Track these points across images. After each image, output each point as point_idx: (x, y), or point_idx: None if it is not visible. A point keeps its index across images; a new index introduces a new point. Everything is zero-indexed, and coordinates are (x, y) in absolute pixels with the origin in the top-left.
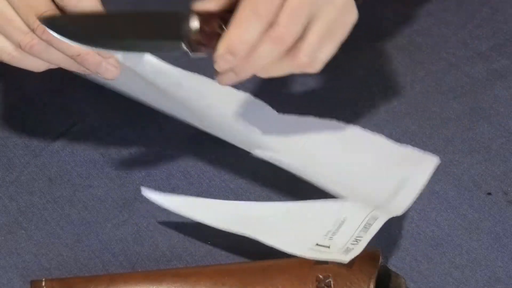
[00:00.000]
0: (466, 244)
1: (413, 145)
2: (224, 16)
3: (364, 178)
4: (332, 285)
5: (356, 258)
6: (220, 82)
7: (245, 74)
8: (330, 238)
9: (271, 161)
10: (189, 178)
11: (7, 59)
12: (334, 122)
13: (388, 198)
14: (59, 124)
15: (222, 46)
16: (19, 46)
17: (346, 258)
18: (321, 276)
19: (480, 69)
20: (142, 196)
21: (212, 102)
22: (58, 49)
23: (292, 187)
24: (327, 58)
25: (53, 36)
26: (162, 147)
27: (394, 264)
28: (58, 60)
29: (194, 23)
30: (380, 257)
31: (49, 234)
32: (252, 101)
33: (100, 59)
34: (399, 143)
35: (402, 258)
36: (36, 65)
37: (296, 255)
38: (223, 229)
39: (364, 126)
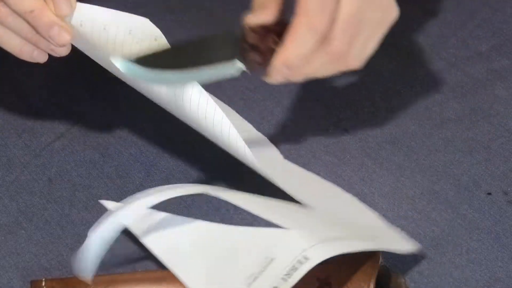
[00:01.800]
0: (466, 244)
1: (413, 145)
2: (276, 30)
3: (339, 217)
4: (332, 285)
5: (356, 258)
6: (269, 81)
7: (297, 80)
8: (249, 285)
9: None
10: (189, 178)
11: None
12: (334, 187)
13: (349, 236)
14: (59, 124)
15: (279, 61)
16: None
17: None
18: (321, 276)
19: (480, 69)
20: None
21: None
22: (13, 8)
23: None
24: (369, 55)
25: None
26: (162, 147)
27: (394, 264)
28: (22, 28)
29: (249, 40)
30: (380, 257)
31: (49, 234)
32: (263, 140)
33: (54, 21)
34: (391, 225)
35: (402, 258)
36: (15, 43)
37: None
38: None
39: (364, 126)
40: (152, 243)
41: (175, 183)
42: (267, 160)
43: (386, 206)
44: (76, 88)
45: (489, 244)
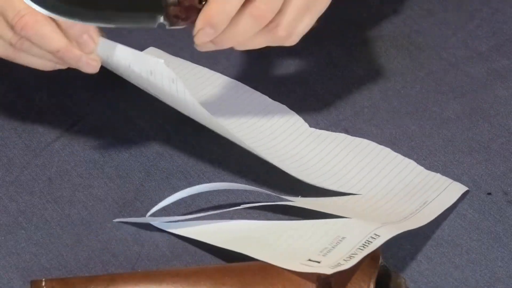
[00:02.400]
0: (466, 244)
1: (413, 145)
2: None
3: (385, 196)
4: (332, 285)
5: None
6: (198, 48)
7: (224, 46)
8: (324, 255)
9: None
10: (189, 178)
11: (5, 56)
12: (367, 141)
13: (406, 216)
14: (59, 124)
15: (202, 20)
16: (10, 44)
17: (330, 271)
18: (321, 276)
19: (480, 69)
20: (142, 196)
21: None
22: (39, 47)
23: (294, 187)
24: (304, 31)
25: (37, 10)
26: (162, 147)
27: (394, 264)
28: (47, 56)
29: None
30: (380, 257)
31: (49, 234)
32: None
33: (80, 54)
34: (428, 171)
35: (402, 258)
36: (36, 62)
37: (285, 268)
38: (219, 247)
39: (364, 126)
40: (211, 238)
41: (175, 183)
42: (293, 130)
43: None
44: (76, 88)
45: (489, 244)
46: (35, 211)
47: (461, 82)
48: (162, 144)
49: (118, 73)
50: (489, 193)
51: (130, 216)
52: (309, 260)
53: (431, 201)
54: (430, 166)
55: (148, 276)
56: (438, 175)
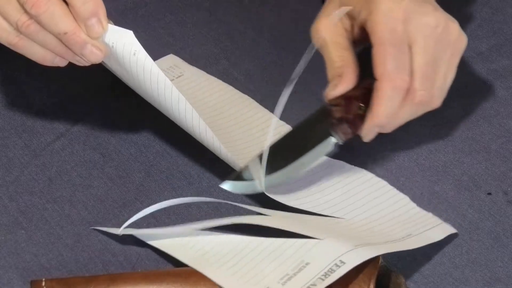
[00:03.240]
0: (466, 244)
1: (413, 145)
2: (357, 94)
3: (370, 223)
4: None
5: None
6: (364, 140)
7: (388, 131)
8: (283, 284)
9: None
10: (189, 178)
11: (7, 42)
12: (366, 172)
13: (386, 241)
14: (59, 124)
15: (370, 125)
16: (16, 26)
17: None
18: None
19: (480, 69)
20: (142, 196)
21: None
22: (47, 28)
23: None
24: (450, 85)
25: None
26: (162, 147)
27: (394, 264)
28: (51, 43)
29: (336, 115)
30: (380, 257)
31: (49, 234)
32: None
33: (86, 40)
34: (420, 208)
35: (402, 258)
36: (37, 52)
37: None
38: (183, 261)
39: None
40: (179, 252)
41: (175, 183)
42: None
43: None
44: (76, 88)
45: (489, 244)
46: (35, 211)
47: (461, 82)
48: (162, 144)
49: (117, 69)
50: (489, 193)
51: (130, 216)
52: None
53: (415, 235)
54: (430, 166)
55: (148, 276)
56: (430, 214)
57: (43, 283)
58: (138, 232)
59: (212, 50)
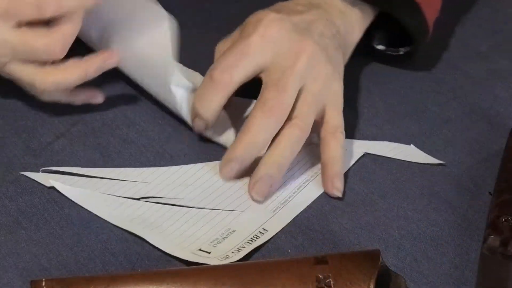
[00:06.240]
0: (466, 244)
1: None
2: None
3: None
4: (332, 285)
5: (356, 258)
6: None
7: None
8: (214, 246)
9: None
10: None
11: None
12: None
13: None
14: (59, 124)
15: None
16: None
17: (219, 263)
18: (321, 276)
19: (480, 69)
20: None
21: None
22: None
23: None
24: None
25: None
26: (162, 147)
27: (394, 264)
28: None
29: None
30: (380, 257)
31: (49, 234)
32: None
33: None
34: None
35: (402, 258)
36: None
37: (177, 257)
38: (116, 225)
39: (364, 126)
40: (109, 215)
41: None
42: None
43: (386, 206)
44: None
45: None
46: (35, 211)
47: (461, 82)
48: (162, 144)
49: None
50: (489, 193)
51: None
52: (200, 250)
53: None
54: (430, 165)
55: (148, 276)
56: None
57: (43, 283)
58: (66, 190)
59: (212, 50)
